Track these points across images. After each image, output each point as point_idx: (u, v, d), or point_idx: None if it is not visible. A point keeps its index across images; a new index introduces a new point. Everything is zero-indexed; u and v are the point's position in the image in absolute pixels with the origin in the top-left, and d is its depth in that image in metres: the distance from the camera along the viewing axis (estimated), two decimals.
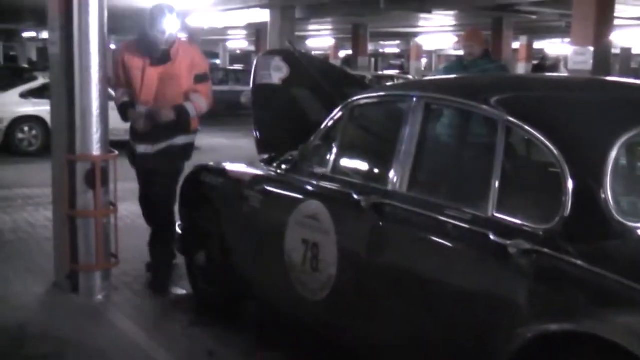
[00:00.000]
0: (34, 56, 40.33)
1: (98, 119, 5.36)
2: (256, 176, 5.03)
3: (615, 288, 2.75)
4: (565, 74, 13.52)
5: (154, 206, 6.04)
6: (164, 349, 4.75)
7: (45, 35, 25.36)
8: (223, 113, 17.79)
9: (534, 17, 18.59)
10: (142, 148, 5.89)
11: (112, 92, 6.01)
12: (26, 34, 34.76)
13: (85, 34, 5.24)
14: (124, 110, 5.90)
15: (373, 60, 45.19)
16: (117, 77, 5.93)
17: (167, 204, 5.95)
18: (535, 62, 24.30)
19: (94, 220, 5.52)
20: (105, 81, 5.40)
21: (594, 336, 2.72)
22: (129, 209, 7.18)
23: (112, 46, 32.76)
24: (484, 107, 3.62)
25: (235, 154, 5.11)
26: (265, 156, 5.22)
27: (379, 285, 3.87)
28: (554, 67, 18.65)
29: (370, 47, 32.49)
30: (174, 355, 4.68)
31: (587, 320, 2.80)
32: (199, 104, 5.86)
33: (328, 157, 4.46)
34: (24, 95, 14.01)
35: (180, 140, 5.90)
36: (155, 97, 5.78)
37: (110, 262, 5.73)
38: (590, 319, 2.79)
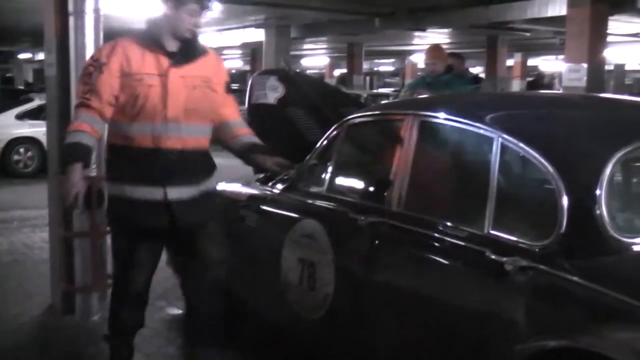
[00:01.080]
0: (30, 78, 40.35)
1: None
2: (252, 196, 5.04)
3: (612, 304, 2.76)
4: (560, 91, 13.58)
5: (199, 282, 4.23)
6: None
7: (41, 56, 25.39)
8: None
9: (527, 34, 18.65)
10: (174, 192, 4.02)
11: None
12: (22, 56, 34.76)
13: (81, 56, 5.24)
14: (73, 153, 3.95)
15: (368, 78, 45.28)
16: (98, 93, 3.92)
17: (222, 276, 4.28)
18: (530, 79, 24.37)
19: (90, 241, 5.51)
20: None
21: (591, 352, 2.72)
22: None
23: None
24: (479, 125, 3.63)
25: (231, 173, 5.05)
26: (261, 175, 5.22)
27: (376, 304, 3.87)
28: (550, 84, 18.72)
29: (365, 66, 32.53)
30: None
31: (585, 337, 2.79)
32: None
33: (324, 176, 4.47)
34: (20, 117, 14.04)
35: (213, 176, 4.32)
36: (184, 114, 4.02)
37: (106, 282, 5.71)
38: (588, 335, 2.79)
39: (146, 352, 4.97)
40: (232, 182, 5.50)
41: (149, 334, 5.29)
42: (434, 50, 7.12)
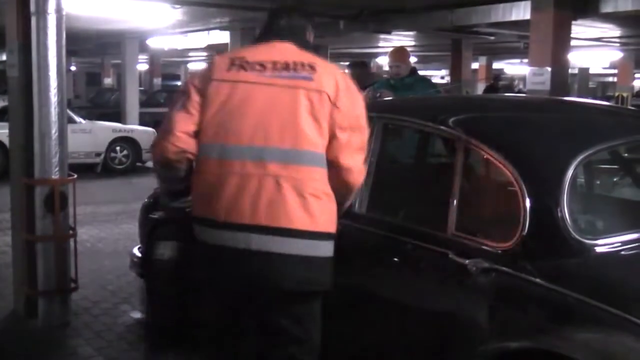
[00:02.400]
0: None
1: (57, 142, 5.30)
2: None
3: (573, 305, 2.79)
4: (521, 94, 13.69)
5: None
6: None
7: (3, 57, 25.14)
8: None
9: (492, 38, 18.76)
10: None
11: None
12: None
13: (44, 57, 5.19)
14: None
15: None
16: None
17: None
18: (487, 83, 24.51)
19: (53, 244, 5.46)
20: (63, 104, 5.35)
21: (553, 353, 2.75)
22: (89, 232, 7.11)
23: (72, 68, 32.23)
24: (442, 127, 3.65)
25: None
26: None
27: (339, 306, 3.86)
28: (508, 87, 18.85)
29: None
30: None
31: (547, 338, 2.82)
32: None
33: None
34: None
35: None
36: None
37: (69, 286, 5.66)
38: (550, 336, 2.82)
39: (110, 356, 4.93)
40: None
41: (112, 338, 5.25)
42: (398, 52, 7.14)
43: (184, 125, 3.14)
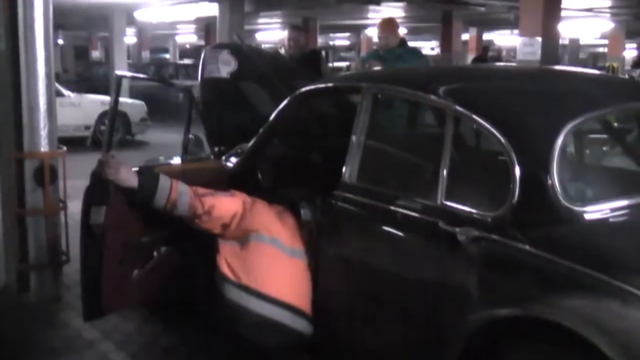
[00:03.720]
0: None
1: (45, 115, 5.28)
2: None
3: (563, 272, 2.80)
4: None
5: None
6: (118, 348, 4.71)
7: None
8: (173, 108, 17.74)
9: (482, 9, 18.73)
10: None
11: None
12: None
13: (30, 28, 5.16)
14: None
15: (323, 53, 45.20)
16: None
17: None
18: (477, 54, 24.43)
19: (43, 218, 5.45)
20: (51, 77, 5.32)
21: (543, 321, 2.77)
22: (79, 206, 7.08)
23: (60, 41, 31.97)
24: (432, 97, 3.64)
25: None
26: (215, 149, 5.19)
27: (330, 277, 3.89)
28: (496, 58, 18.85)
29: (320, 40, 32.50)
30: (129, 354, 4.64)
31: (536, 305, 2.83)
32: None
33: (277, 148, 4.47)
34: None
35: None
36: None
37: (61, 260, 5.66)
38: (540, 304, 2.83)
39: (103, 328, 4.93)
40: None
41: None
42: (387, 24, 7.09)
43: None
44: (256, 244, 3.85)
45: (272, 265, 3.83)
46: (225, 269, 3.84)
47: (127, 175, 3.88)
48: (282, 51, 7.71)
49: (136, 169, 4.02)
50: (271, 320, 3.78)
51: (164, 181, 3.88)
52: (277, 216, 3.96)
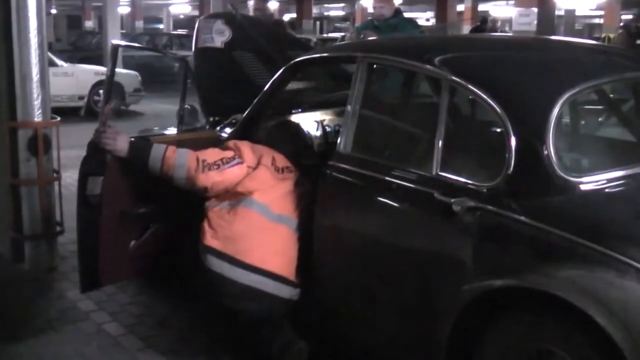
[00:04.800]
0: None
1: (38, 85, 5.25)
2: None
3: (558, 243, 2.80)
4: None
5: None
6: (114, 319, 4.72)
7: None
8: (167, 78, 17.65)
9: None
10: None
11: None
12: None
13: (23, 2, 5.12)
14: None
15: (318, 23, 45.00)
16: None
17: None
18: (474, 25, 24.33)
19: (37, 188, 5.44)
20: (44, 46, 5.28)
21: (537, 291, 2.77)
22: (73, 176, 7.05)
23: (53, 11, 31.81)
24: (428, 67, 3.62)
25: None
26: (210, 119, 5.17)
27: (324, 247, 3.89)
28: (492, 29, 18.78)
29: (315, 10, 32.35)
30: (124, 325, 4.63)
31: (531, 275, 2.84)
32: None
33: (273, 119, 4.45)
34: None
35: None
36: None
37: (55, 230, 5.66)
38: (534, 274, 2.84)
39: (98, 299, 4.94)
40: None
41: None
42: None
43: None
44: (244, 209, 3.87)
45: (257, 234, 3.85)
46: (209, 240, 3.88)
47: (122, 145, 3.94)
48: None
49: (132, 139, 4.02)
50: (255, 289, 3.81)
51: (155, 151, 3.92)
52: (274, 181, 3.95)
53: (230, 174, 3.89)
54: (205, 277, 3.89)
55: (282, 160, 4.05)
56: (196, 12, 31.72)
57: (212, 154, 3.94)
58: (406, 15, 7.50)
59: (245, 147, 4.01)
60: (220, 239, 3.86)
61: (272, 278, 3.83)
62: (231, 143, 4.06)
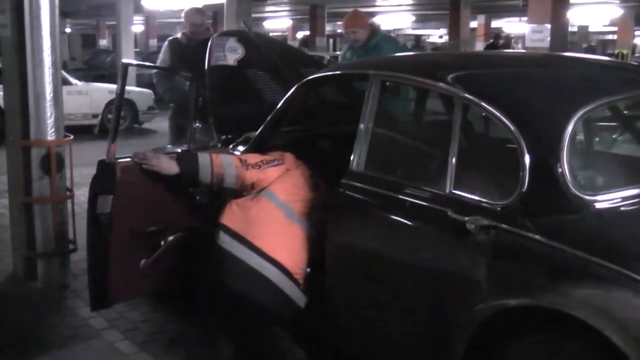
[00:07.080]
0: None
1: (52, 103, 5.28)
2: None
3: (572, 261, 2.77)
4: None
5: None
6: (125, 337, 4.71)
7: None
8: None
9: None
10: None
11: None
12: None
13: (36, 16, 5.14)
14: None
15: (331, 40, 45.12)
16: None
17: None
18: (489, 42, 24.40)
19: (50, 206, 5.45)
20: (58, 65, 5.30)
21: (552, 310, 2.74)
22: (86, 194, 7.08)
23: (67, 30, 31.91)
24: (441, 84, 3.61)
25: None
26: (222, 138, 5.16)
27: (339, 265, 3.86)
28: (506, 45, 18.79)
29: (328, 28, 32.42)
30: (137, 343, 4.63)
31: (546, 295, 2.81)
32: None
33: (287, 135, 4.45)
34: None
35: None
36: None
37: (68, 248, 5.66)
38: (549, 293, 2.81)
39: (110, 317, 4.93)
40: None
41: None
42: (352, 18, 6.66)
43: None
44: (266, 201, 3.99)
45: (273, 225, 3.95)
46: (226, 219, 4.00)
47: (169, 163, 4.12)
48: (180, 36, 7.44)
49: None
50: (258, 273, 3.85)
51: (202, 158, 4.11)
52: (303, 187, 4.07)
53: (271, 173, 4.06)
54: (215, 253, 3.98)
55: (321, 181, 4.14)
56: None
57: (252, 157, 4.17)
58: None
59: (290, 155, 4.19)
60: (238, 220, 3.97)
61: (276, 266, 3.87)
62: (276, 152, 4.22)
